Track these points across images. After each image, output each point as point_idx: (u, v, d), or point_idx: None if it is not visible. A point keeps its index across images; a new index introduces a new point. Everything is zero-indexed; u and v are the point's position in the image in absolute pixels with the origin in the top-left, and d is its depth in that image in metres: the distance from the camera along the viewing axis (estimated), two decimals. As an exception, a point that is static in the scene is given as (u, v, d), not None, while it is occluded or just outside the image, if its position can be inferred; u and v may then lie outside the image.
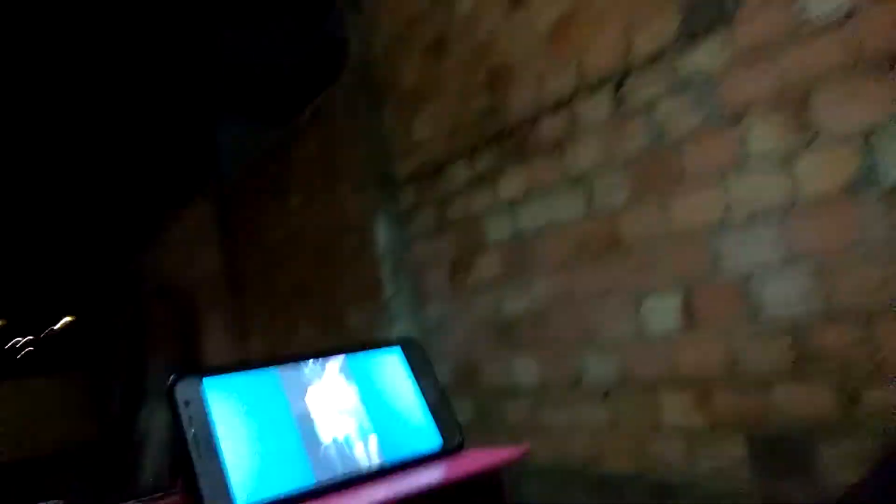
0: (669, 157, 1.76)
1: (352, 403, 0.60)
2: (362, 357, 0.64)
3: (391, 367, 0.65)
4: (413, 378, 0.65)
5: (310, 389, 0.58)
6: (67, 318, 12.64)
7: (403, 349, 0.67)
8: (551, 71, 2.11)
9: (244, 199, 4.67)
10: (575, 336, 2.08)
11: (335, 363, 0.61)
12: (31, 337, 14.53)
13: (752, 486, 1.59)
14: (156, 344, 7.07)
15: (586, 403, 2.05)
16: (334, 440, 0.56)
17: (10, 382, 10.67)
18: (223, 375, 0.55)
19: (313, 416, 0.56)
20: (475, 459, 0.60)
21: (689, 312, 1.74)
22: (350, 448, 0.56)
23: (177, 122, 5.14)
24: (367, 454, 0.57)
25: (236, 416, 0.53)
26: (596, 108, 1.96)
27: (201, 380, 0.53)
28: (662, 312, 1.81)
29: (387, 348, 0.66)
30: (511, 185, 2.30)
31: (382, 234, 2.97)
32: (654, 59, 1.78)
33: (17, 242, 7.89)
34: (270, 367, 0.58)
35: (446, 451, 0.62)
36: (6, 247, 7.81)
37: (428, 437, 0.62)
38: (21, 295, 10.99)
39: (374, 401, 0.61)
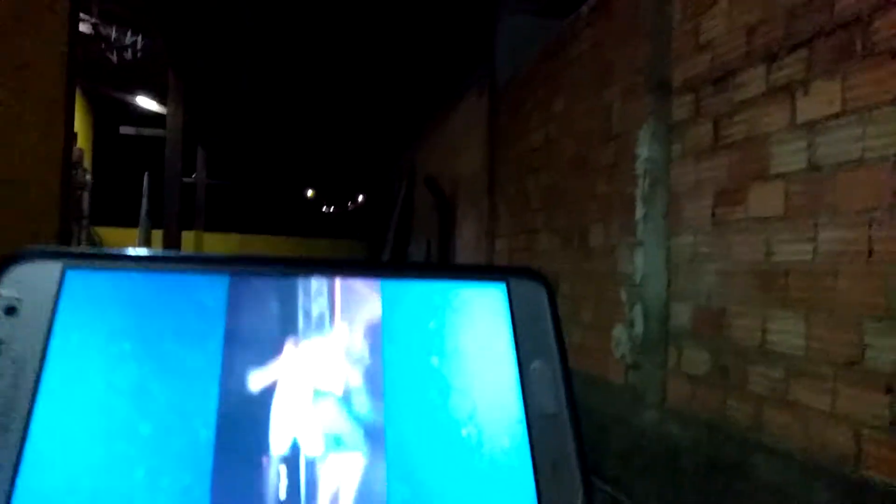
0: None
1: (367, 384, 0.28)
2: (425, 289, 0.30)
3: (478, 323, 0.30)
4: (514, 356, 0.30)
5: (283, 342, 0.27)
6: (360, 196, 14.95)
7: (511, 292, 0.31)
8: (915, -55, 1.53)
9: (513, 101, 4.60)
10: (863, 305, 1.61)
11: (364, 290, 0.29)
12: (333, 206, 17.73)
13: None
14: (420, 226, 7.70)
15: (860, 390, 1.61)
16: (290, 459, 0.26)
17: (314, 240, 14.50)
18: (112, 270, 0.27)
19: (266, 396, 0.27)
20: None
21: None
22: (319, 480, 0.26)
23: (459, 12, 5.20)
24: (364, 498, 0.26)
25: (104, 361, 0.26)
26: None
27: (64, 270, 0.26)
28: None
29: (479, 282, 0.31)
30: (818, 101, 1.80)
31: (645, 147, 2.64)
32: None
33: (329, 136, 10.21)
34: (219, 272, 0.28)
35: None
36: (322, 139, 10.46)
37: (509, 487, 0.28)
38: (327, 175, 13.88)
39: (416, 387, 0.29)
